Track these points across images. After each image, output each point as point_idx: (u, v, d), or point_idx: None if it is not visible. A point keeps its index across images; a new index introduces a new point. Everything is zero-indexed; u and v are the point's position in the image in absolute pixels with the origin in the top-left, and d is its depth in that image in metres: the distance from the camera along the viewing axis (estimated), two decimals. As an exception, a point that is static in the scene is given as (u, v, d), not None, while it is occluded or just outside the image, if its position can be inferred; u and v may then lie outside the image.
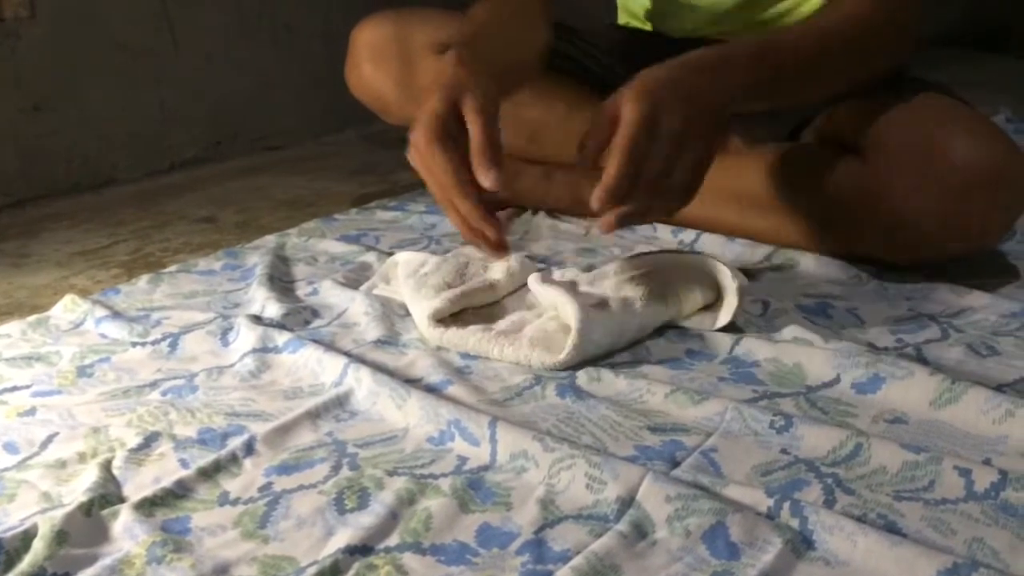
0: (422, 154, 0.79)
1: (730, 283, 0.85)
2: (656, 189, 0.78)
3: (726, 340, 0.84)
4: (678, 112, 0.77)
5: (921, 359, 0.80)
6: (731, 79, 0.83)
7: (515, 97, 1.02)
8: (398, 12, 1.26)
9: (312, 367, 0.81)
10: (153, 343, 0.88)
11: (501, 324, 0.85)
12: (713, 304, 0.88)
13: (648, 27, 1.26)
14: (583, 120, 1.19)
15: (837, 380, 0.76)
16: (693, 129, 0.78)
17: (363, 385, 0.77)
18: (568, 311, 0.81)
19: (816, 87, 0.93)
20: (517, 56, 0.94)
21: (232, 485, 0.65)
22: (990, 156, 0.89)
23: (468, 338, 0.83)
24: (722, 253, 1.07)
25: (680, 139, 0.77)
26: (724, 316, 0.85)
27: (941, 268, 0.98)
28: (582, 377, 0.77)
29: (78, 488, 0.64)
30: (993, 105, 1.68)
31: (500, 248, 0.81)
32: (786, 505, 0.59)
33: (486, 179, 0.77)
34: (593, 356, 0.81)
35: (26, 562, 0.56)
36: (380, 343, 0.86)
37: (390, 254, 1.05)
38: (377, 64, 1.24)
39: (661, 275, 0.88)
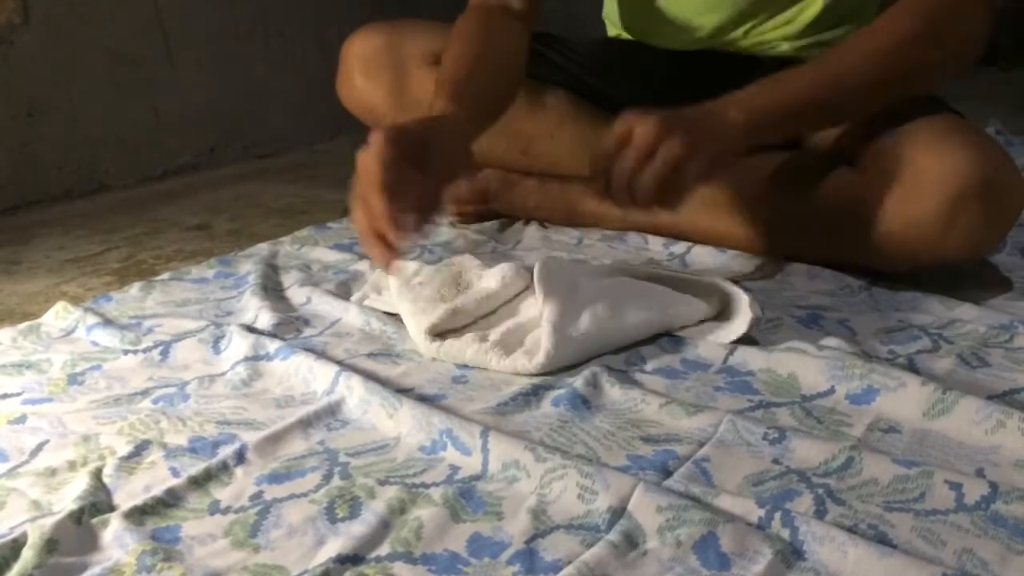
0: (375, 159, 0.79)
1: (743, 297, 0.85)
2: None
3: (720, 350, 0.84)
4: (680, 138, 0.83)
5: (913, 370, 0.80)
6: (740, 125, 0.88)
7: (508, 110, 1.04)
8: (389, 23, 1.26)
9: (304, 376, 0.81)
10: (144, 351, 0.87)
11: (496, 334, 0.85)
12: (715, 317, 0.88)
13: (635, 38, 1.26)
14: (575, 132, 1.21)
15: (831, 391, 0.77)
16: (694, 154, 0.83)
17: (354, 394, 0.77)
18: (544, 312, 0.82)
19: (839, 117, 0.97)
20: (496, 97, 1.02)
21: (223, 494, 0.65)
22: (982, 166, 0.89)
23: (465, 349, 0.83)
24: (714, 264, 1.08)
25: (679, 161, 0.83)
26: (739, 327, 0.85)
27: (931, 279, 0.98)
28: (578, 387, 0.77)
29: (68, 496, 0.64)
30: (983, 118, 1.68)
31: (391, 255, 0.79)
32: (777, 515, 0.59)
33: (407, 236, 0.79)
34: (577, 360, 0.82)
35: (15, 571, 0.56)
36: (374, 354, 0.86)
37: (383, 263, 1.04)
38: (369, 76, 1.24)
39: (660, 283, 0.89)
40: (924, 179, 0.91)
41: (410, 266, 0.98)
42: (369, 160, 0.79)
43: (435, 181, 0.83)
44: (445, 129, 0.87)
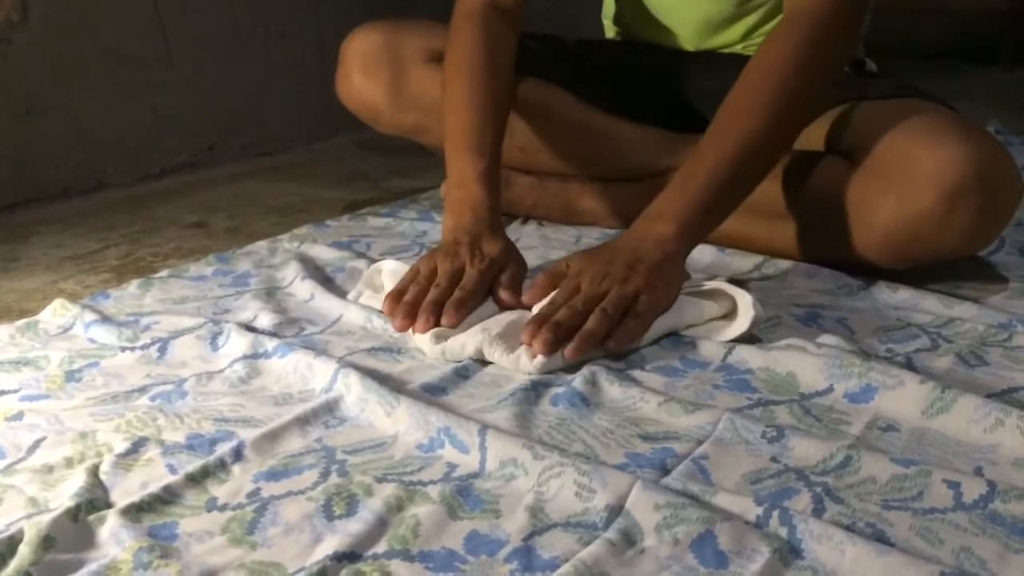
0: (466, 266, 0.90)
1: (746, 297, 0.85)
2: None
3: (719, 348, 0.84)
4: (625, 278, 0.84)
5: (911, 368, 0.80)
6: (670, 236, 0.88)
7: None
8: (388, 22, 1.27)
9: (302, 373, 0.81)
10: (142, 348, 0.87)
11: (498, 326, 0.85)
12: (724, 317, 0.88)
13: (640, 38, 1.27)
14: (573, 131, 1.21)
15: (830, 389, 0.77)
16: (644, 287, 0.84)
17: (352, 391, 0.76)
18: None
19: (767, 162, 0.93)
20: (504, 128, 1.07)
21: (220, 491, 0.65)
22: (978, 159, 0.90)
23: (468, 343, 0.83)
24: (714, 263, 1.08)
25: (626, 299, 0.84)
26: (740, 325, 0.85)
27: (930, 278, 0.98)
28: (576, 384, 0.77)
29: (65, 493, 0.63)
30: (983, 118, 1.69)
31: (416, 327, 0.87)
32: (775, 513, 0.59)
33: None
34: (569, 363, 0.81)
35: (12, 567, 0.56)
36: (375, 350, 0.86)
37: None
38: (368, 73, 1.24)
39: None
40: (920, 173, 0.91)
41: (404, 268, 0.97)
42: (476, 267, 0.90)
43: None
44: (516, 257, 0.95)
